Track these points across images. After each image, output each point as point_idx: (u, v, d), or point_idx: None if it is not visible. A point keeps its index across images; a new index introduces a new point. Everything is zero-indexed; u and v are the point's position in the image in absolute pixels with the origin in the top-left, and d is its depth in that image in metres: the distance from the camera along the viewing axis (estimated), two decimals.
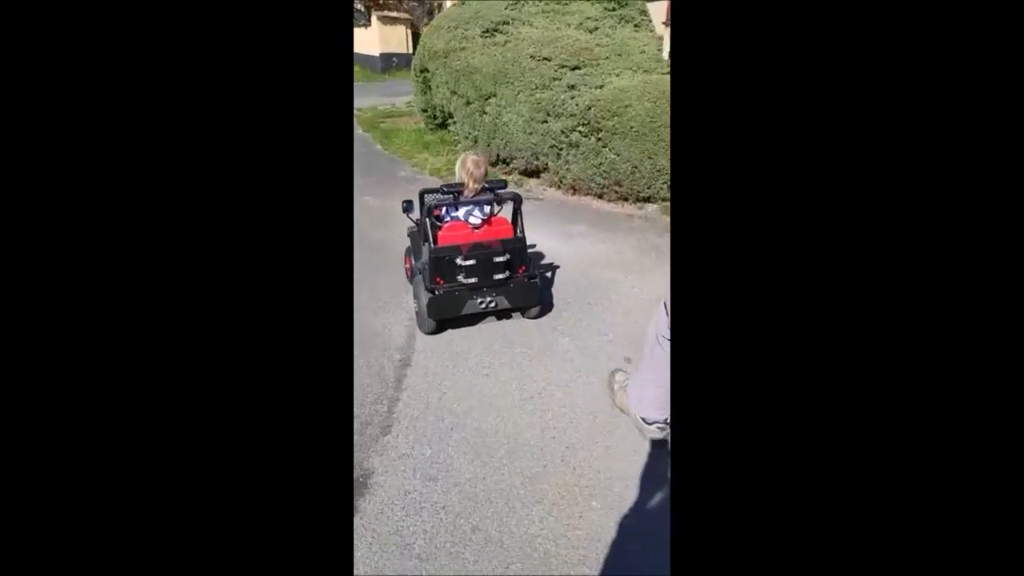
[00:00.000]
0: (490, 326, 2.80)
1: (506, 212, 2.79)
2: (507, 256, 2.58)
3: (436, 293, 2.55)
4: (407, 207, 2.87)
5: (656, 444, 1.99)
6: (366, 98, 11.25)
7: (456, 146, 6.53)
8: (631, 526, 1.68)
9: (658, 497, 1.79)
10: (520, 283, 2.66)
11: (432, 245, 2.56)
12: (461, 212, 2.74)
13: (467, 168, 2.68)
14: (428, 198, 2.79)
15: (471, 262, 2.53)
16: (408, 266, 3.18)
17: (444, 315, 2.61)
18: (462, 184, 2.68)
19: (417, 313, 2.70)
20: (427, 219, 2.58)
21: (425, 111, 7.22)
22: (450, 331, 2.73)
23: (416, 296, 2.70)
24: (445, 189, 2.62)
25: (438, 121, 7.01)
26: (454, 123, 6.38)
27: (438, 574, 1.53)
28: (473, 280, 2.56)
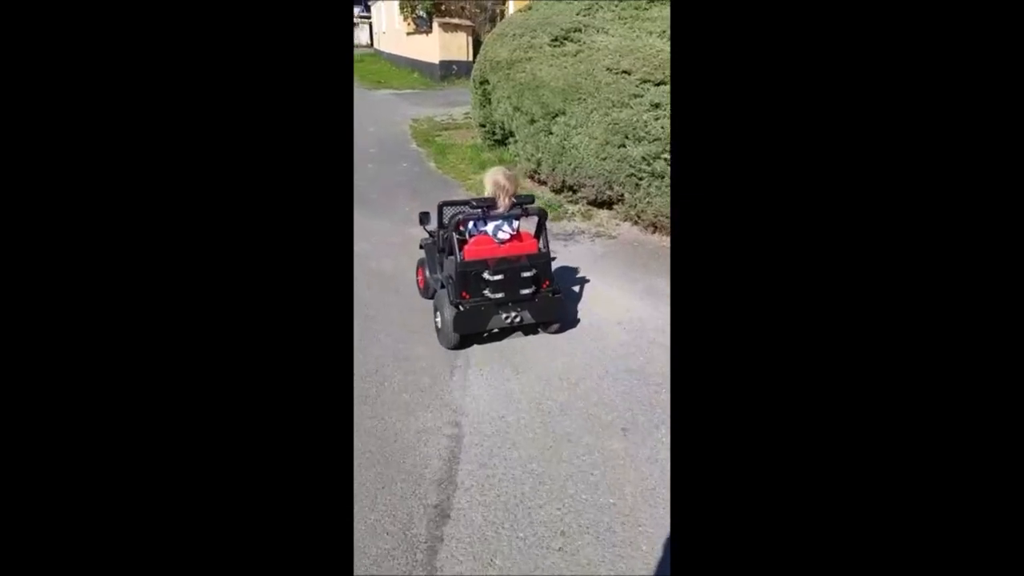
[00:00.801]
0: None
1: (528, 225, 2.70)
2: (533, 271, 2.59)
3: (462, 308, 2.52)
4: (424, 218, 2.88)
5: None
6: (422, 108, 10.79)
7: (515, 167, 5.88)
8: None
9: None
10: (545, 298, 2.66)
11: (459, 259, 2.53)
12: (490, 227, 2.68)
13: (499, 183, 2.62)
14: (450, 210, 2.77)
15: (499, 277, 2.53)
16: (421, 279, 3.16)
17: (469, 330, 2.59)
18: (491, 199, 2.63)
19: (439, 329, 2.68)
20: (452, 233, 2.56)
21: (483, 126, 6.60)
22: (506, 464, 1.95)
23: (439, 311, 2.66)
24: (475, 203, 2.62)
25: (497, 138, 6.38)
26: (515, 142, 5.71)
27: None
28: (500, 295, 2.56)
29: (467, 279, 2.54)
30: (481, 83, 6.27)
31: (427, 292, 3.09)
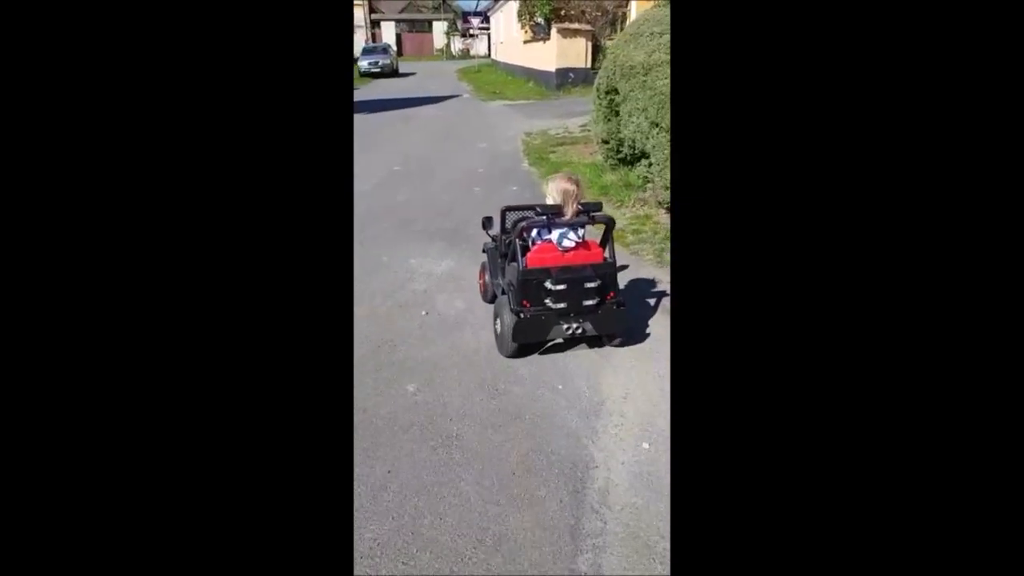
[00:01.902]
0: None
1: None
2: (598, 281, 2.48)
3: (522, 316, 2.46)
4: (486, 223, 2.84)
5: None
6: (537, 120, 10.05)
7: (643, 192, 4.88)
8: None
9: None
10: (608, 309, 2.54)
11: (521, 267, 2.47)
12: (554, 234, 2.57)
13: (565, 189, 2.52)
14: (513, 215, 2.75)
15: (561, 287, 2.45)
16: (482, 283, 3.10)
17: (529, 339, 2.54)
18: (557, 206, 2.52)
19: (498, 336, 2.63)
20: (516, 239, 2.49)
21: (606, 143, 5.66)
22: None
23: (498, 317, 2.62)
24: (539, 210, 2.57)
25: (623, 156, 5.41)
26: (649, 164, 4.71)
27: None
28: (562, 305, 2.47)
29: (528, 287, 2.46)
30: (607, 93, 5.35)
31: (487, 296, 3.03)
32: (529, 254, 2.51)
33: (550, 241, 2.56)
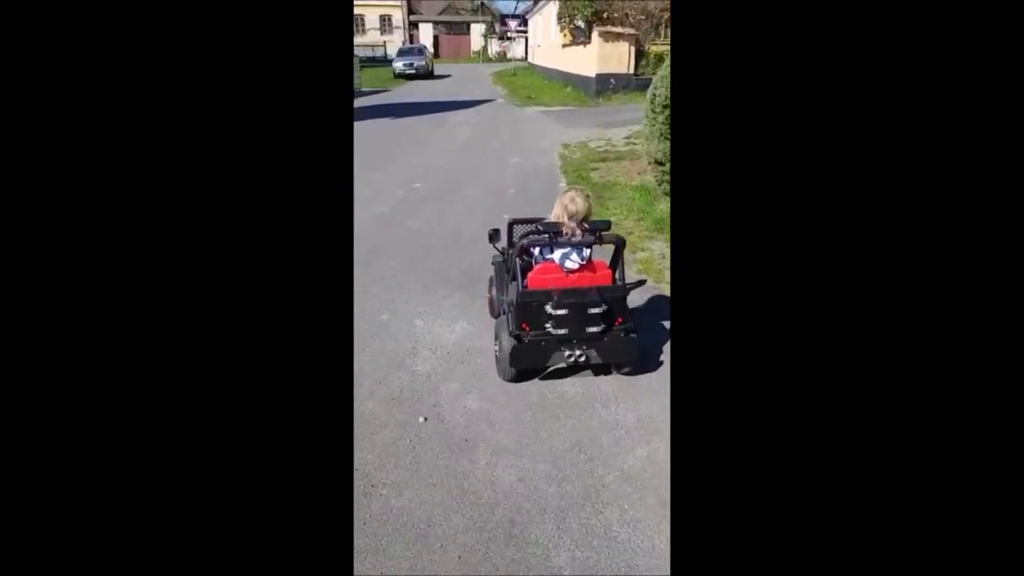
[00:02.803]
0: None
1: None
2: (604, 307, 2.26)
3: (521, 341, 2.27)
4: (493, 236, 2.67)
5: None
6: (575, 129, 9.19)
7: None
8: None
9: None
10: (616, 337, 2.32)
11: (521, 287, 2.29)
12: (557, 254, 2.37)
13: (565, 206, 2.30)
14: (520, 228, 2.62)
15: (562, 311, 2.24)
16: (490, 297, 2.96)
17: (527, 365, 2.35)
18: (558, 223, 2.30)
19: (498, 358, 2.43)
20: (516, 258, 2.33)
21: (661, 164, 4.79)
22: None
23: (498, 337, 2.42)
24: (540, 227, 2.33)
25: None
26: None
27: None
28: (563, 331, 2.26)
29: (527, 310, 2.29)
30: (665, 107, 4.48)
31: (495, 312, 2.88)
32: (531, 274, 2.36)
33: (553, 261, 2.37)
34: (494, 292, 2.86)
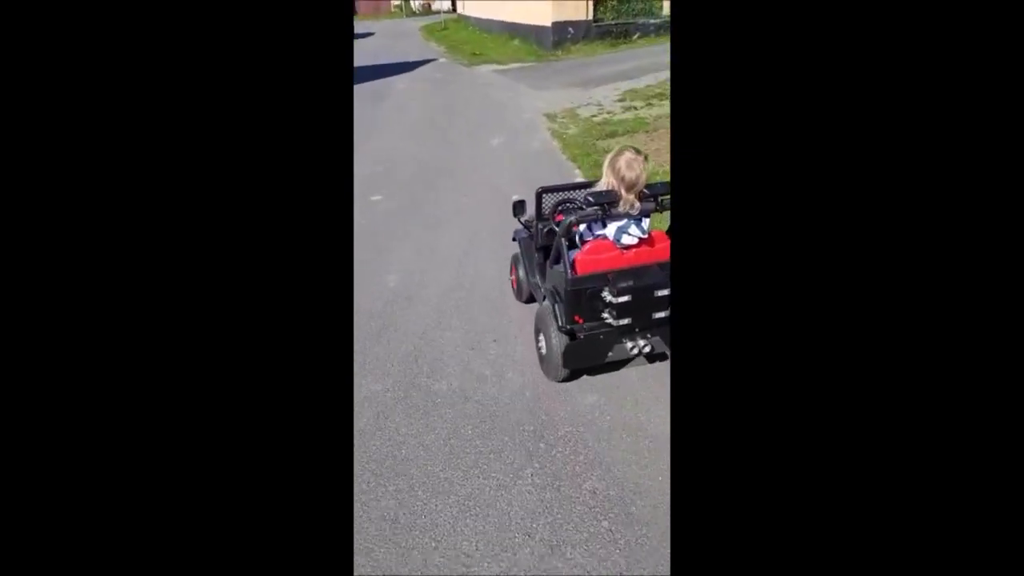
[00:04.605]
0: None
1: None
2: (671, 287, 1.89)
3: (575, 337, 1.94)
4: (518, 208, 2.36)
5: None
6: (549, 92, 7.62)
7: None
8: None
9: None
10: None
11: (569, 273, 1.89)
12: (611, 228, 2.00)
13: (620, 173, 1.88)
14: (551, 198, 2.23)
15: (625, 298, 1.85)
16: (515, 279, 2.59)
17: (584, 364, 2.04)
18: (612, 192, 1.89)
19: (543, 357, 2.10)
20: (563, 237, 1.91)
21: None
22: None
23: (541, 333, 2.09)
24: (591, 198, 1.87)
25: None
26: None
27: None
28: (626, 321, 1.90)
29: (579, 299, 1.89)
30: None
31: (521, 295, 2.55)
32: (578, 255, 1.94)
33: (605, 237, 1.99)
34: (521, 272, 2.50)
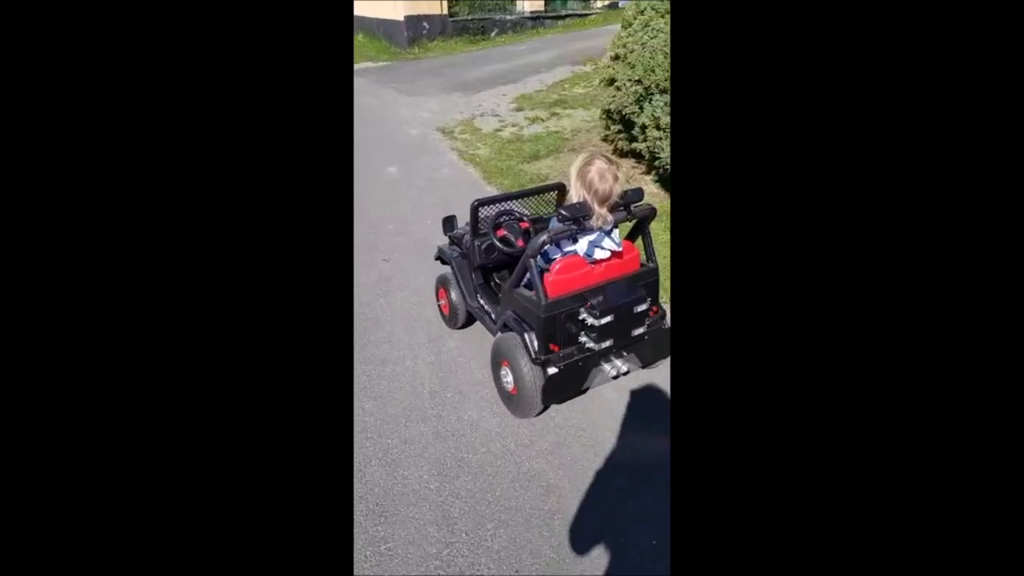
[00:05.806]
0: None
1: None
2: (648, 300, 1.81)
3: (555, 368, 1.76)
4: (448, 225, 2.28)
5: None
6: (427, 98, 6.57)
7: None
8: None
9: None
10: (657, 332, 1.88)
11: (543, 299, 1.73)
12: (582, 244, 1.84)
13: (593, 186, 1.73)
14: (487, 211, 2.15)
15: (608, 319, 1.72)
16: (445, 303, 2.34)
17: (565, 396, 1.89)
18: (584, 206, 1.74)
19: (510, 396, 1.88)
20: (530, 259, 1.76)
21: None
22: None
23: (508, 367, 1.85)
24: (563, 214, 1.74)
25: None
26: None
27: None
28: (607, 343, 1.78)
29: (554, 325, 1.74)
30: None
31: (455, 321, 2.32)
32: (549, 277, 1.78)
33: (575, 253, 1.85)
34: (454, 296, 2.24)
